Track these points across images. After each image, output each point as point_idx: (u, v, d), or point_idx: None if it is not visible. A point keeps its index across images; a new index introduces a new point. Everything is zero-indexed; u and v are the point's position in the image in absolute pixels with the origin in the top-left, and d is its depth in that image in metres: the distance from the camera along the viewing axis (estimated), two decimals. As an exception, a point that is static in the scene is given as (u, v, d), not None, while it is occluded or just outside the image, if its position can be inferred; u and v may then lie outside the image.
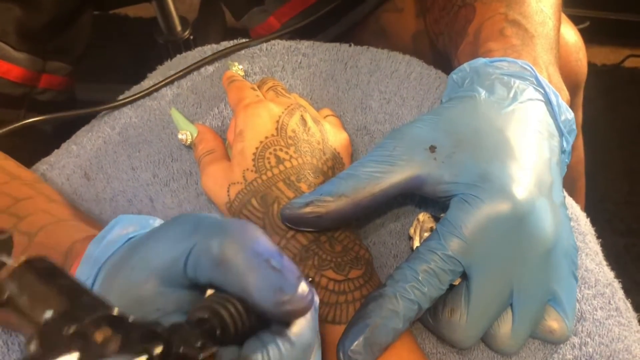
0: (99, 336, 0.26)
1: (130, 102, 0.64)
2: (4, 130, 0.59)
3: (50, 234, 0.47)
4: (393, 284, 0.44)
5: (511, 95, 0.50)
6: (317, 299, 0.37)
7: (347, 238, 0.50)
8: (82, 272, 0.40)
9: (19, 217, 0.49)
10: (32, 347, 0.26)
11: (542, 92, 0.52)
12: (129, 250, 0.38)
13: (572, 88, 0.84)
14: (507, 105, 0.50)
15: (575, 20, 0.91)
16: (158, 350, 0.28)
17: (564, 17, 0.71)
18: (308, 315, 0.35)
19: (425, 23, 0.78)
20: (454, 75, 0.55)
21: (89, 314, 0.27)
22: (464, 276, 0.46)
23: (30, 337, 0.26)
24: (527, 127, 0.49)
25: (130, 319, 0.28)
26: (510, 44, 0.56)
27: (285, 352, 0.34)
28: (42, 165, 0.62)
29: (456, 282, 0.46)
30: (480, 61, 0.54)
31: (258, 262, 0.33)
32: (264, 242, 0.34)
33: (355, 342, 0.42)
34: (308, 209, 0.47)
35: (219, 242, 0.33)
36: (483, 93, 0.50)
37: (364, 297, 0.48)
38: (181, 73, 0.65)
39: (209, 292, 0.36)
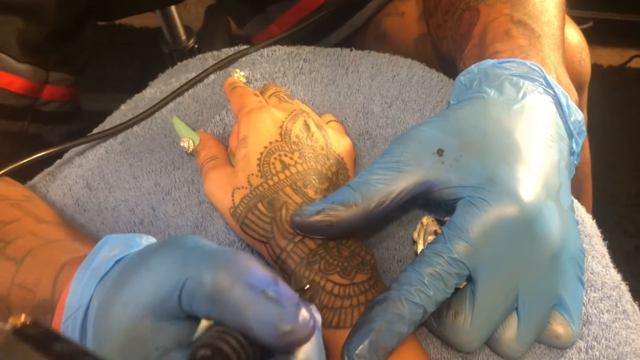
0: None
1: (122, 130, 0.63)
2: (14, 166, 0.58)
3: (37, 258, 0.46)
4: (398, 287, 0.44)
5: (520, 96, 0.50)
6: (319, 318, 0.36)
7: (354, 244, 0.50)
8: (72, 303, 0.39)
9: (5, 242, 0.48)
10: None
11: (552, 93, 0.51)
12: (119, 283, 0.36)
13: (576, 88, 0.83)
14: (516, 106, 0.49)
15: (578, 21, 0.90)
16: None
17: (566, 17, 0.70)
18: (312, 339, 0.34)
19: (428, 27, 0.78)
20: (462, 77, 0.55)
21: None
22: (469, 279, 0.45)
23: None
24: (536, 129, 0.48)
25: None
26: (518, 45, 0.55)
27: None
28: (44, 175, 0.62)
29: (461, 285, 0.46)
30: (488, 62, 0.53)
31: (254, 295, 0.32)
32: (257, 271, 0.33)
33: (360, 346, 0.42)
34: (319, 217, 0.46)
35: (211, 276, 0.33)
36: (492, 93, 0.50)
37: (369, 301, 0.47)
38: (185, 87, 0.65)
39: (204, 322, 0.36)
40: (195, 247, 0.35)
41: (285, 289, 0.33)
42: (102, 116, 0.68)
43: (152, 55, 1.44)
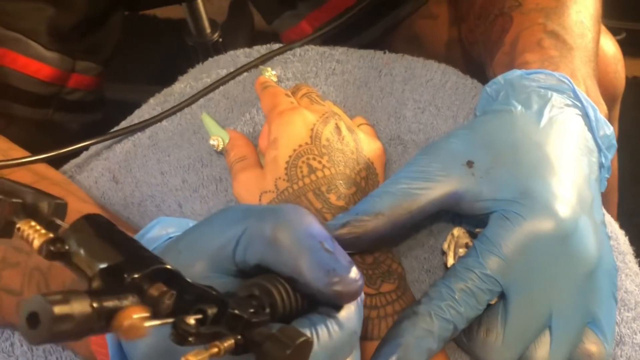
0: (154, 290, 0.27)
1: (151, 124, 0.62)
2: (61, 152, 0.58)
3: None
4: (428, 302, 0.43)
5: (548, 109, 0.49)
6: (362, 293, 0.37)
7: (378, 249, 0.49)
8: None
9: None
10: (95, 284, 0.27)
11: (580, 105, 0.50)
12: (175, 240, 0.37)
13: (609, 101, 0.82)
14: (545, 120, 0.48)
15: (611, 31, 0.89)
16: (212, 310, 0.29)
17: (602, 28, 0.69)
18: (355, 302, 0.35)
19: (460, 32, 0.77)
20: (488, 88, 0.54)
21: (143, 269, 0.27)
22: (502, 295, 0.44)
23: (93, 277, 0.27)
24: (565, 142, 0.47)
25: (186, 278, 0.29)
26: (548, 56, 0.54)
27: (333, 333, 0.34)
28: (70, 167, 0.61)
29: (493, 301, 0.45)
30: (515, 73, 0.52)
31: (312, 243, 0.34)
32: (317, 225, 0.35)
33: None
34: (345, 230, 0.45)
35: (272, 224, 0.34)
36: (519, 107, 0.49)
37: (397, 312, 0.47)
38: (216, 85, 0.64)
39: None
40: (257, 205, 0.37)
41: (340, 248, 0.35)
42: (122, 106, 0.68)
43: (175, 47, 1.44)
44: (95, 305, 0.24)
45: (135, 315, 0.25)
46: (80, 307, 0.23)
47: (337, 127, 0.54)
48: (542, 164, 0.46)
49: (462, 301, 0.42)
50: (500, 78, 0.53)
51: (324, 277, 0.33)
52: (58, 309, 0.22)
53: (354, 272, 0.34)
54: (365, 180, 0.53)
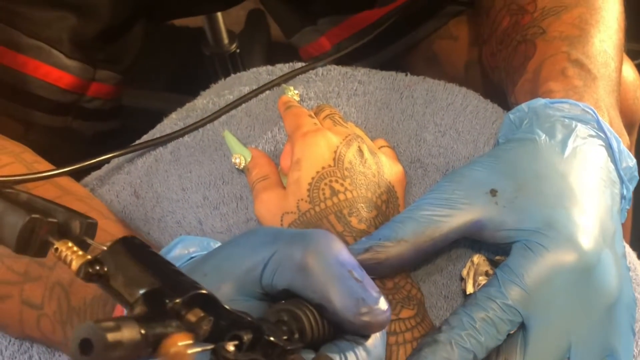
0: (192, 316, 0.27)
1: (173, 139, 0.63)
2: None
3: None
4: (448, 330, 0.43)
5: (572, 139, 0.49)
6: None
7: (398, 276, 0.49)
8: None
9: None
10: (137, 310, 0.27)
11: (604, 137, 0.50)
12: (199, 261, 0.38)
13: (627, 127, 0.82)
14: (569, 150, 0.48)
15: (631, 54, 0.89)
16: (248, 337, 0.29)
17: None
18: (383, 331, 0.36)
19: (481, 54, 0.77)
20: (511, 115, 0.54)
21: (182, 294, 0.27)
22: (521, 326, 0.44)
23: (134, 302, 0.27)
24: (589, 173, 0.48)
25: (223, 304, 0.29)
26: (572, 85, 0.54)
27: (361, 359, 0.34)
28: (92, 179, 0.62)
29: (512, 331, 0.45)
30: (539, 102, 0.52)
31: (341, 272, 0.34)
32: (346, 253, 0.35)
33: None
34: (367, 255, 0.45)
35: (302, 249, 0.34)
36: (543, 136, 0.49)
37: (416, 339, 0.47)
38: (238, 102, 0.64)
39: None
40: (286, 229, 0.38)
41: (368, 277, 0.35)
42: (139, 113, 0.68)
43: (192, 56, 1.44)
44: (143, 331, 0.24)
45: (181, 342, 0.25)
46: (130, 334, 0.24)
47: (360, 150, 0.54)
48: (566, 194, 0.46)
49: (483, 330, 0.42)
50: (524, 106, 0.53)
51: (353, 306, 0.33)
52: (111, 336, 0.23)
53: (383, 303, 0.34)
54: (386, 204, 0.53)
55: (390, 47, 0.88)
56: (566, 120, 0.50)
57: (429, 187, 0.57)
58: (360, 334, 0.35)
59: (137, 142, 0.63)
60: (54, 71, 0.72)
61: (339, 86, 0.66)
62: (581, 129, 0.50)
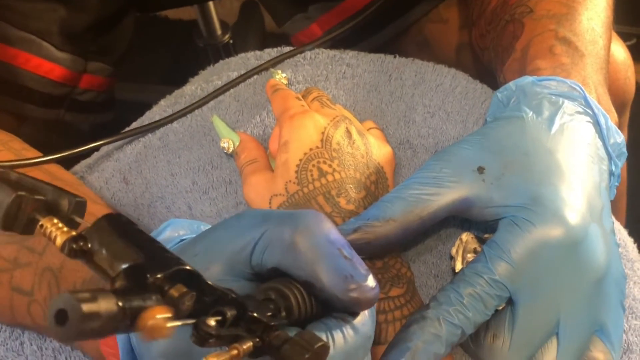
0: (174, 291, 0.27)
1: (162, 125, 0.63)
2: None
3: None
4: (436, 307, 0.43)
5: (559, 116, 0.49)
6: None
7: (388, 254, 0.49)
8: None
9: None
10: (118, 283, 0.27)
11: (591, 113, 0.50)
12: (189, 243, 0.38)
13: (619, 107, 0.82)
14: (556, 127, 0.48)
15: (622, 37, 0.89)
16: (232, 313, 0.29)
17: (613, 34, 0.69)
18: (371, 309, 0.36)
19: (470, 36, 0.77)
20: (499, 94, 0.54)
21: (165, 269, 0.27)
22: (509, 301, 0.44)
23: (116, 276, 0.27)
24: (576, 150, 0.47)
25: (206, 280, 0.29)
26: (560, 63, 0.54)
27: (349, 338, 0.34)
28: (81, 167, 0.62)
29: (500, 307, 0.45)
30: (527, 79, 0.52)
31: (330, 249, 0.34)
32: (335, 232, 0.35)
33: None
34: (356, 235, 0.45)
35: (292, 228, 0.34)
36: (530, 114, 0.49)
37: (405, 317, 0.47)
38: (227, 87, 0.64)
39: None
40: (275, 210, 0.38)
41: (357, 255, 0.35)
42: (132, 106, 0.68)
43: (185, 48, 1.44)
44: (121, 304, 0.24)
45: (159, 315, 0.25)
46: (107, 305, 0.24)
47: (348, 131, 0.54)
48: (553, 170, 0.46)
49: (470, 306, 0.42)
50: (511, 84, 0.53)
51: (342, 283, 0.33)
52: (86, 307, 0.23)
53: (371, 280, 0.34)
54: (375, 185, 0.53)
55: (381, 32, 0.88)
56: (553, 97, 0.50)
57: (418, 168, 0.57)
58: (349, 311, 0.35)
59: (126, 129, 0.63)
60: (45, 63, 0.72)
61: (327, 69, 0.66)
62: (568, 106, 0.49)
